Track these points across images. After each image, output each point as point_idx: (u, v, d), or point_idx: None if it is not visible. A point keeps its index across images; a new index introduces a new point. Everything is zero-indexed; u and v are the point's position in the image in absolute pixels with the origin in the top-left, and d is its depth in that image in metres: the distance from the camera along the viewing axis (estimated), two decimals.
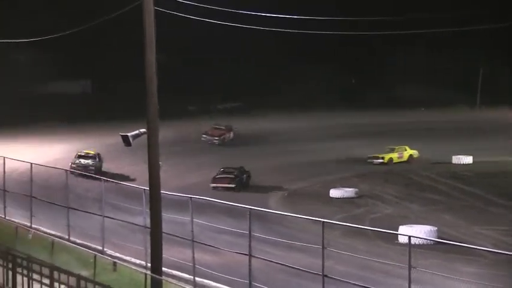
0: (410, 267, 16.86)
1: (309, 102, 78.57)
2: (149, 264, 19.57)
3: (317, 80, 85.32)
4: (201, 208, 26.45)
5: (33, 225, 27.91)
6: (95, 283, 17.71)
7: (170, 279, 20.04)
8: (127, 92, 68.38)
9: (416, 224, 33.47)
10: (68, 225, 27.10)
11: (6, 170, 32.31)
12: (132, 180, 42.14)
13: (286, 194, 43.65)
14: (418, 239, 26.41)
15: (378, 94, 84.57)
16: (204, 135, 61.05)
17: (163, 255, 18.71)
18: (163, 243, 18.63)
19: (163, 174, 19.10)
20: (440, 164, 53.66)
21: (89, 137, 59.20)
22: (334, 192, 42.61)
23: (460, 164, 53.59)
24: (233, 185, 43.31)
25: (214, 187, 43.27)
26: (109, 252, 24.82)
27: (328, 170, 50.63)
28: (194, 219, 22.14)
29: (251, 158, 52.35)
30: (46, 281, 18.85)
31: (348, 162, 53.35)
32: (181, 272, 22.17)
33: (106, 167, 48.19)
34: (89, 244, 25.39)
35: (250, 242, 20.01)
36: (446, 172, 50.24)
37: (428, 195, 43.07)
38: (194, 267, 21.68)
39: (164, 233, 18.90)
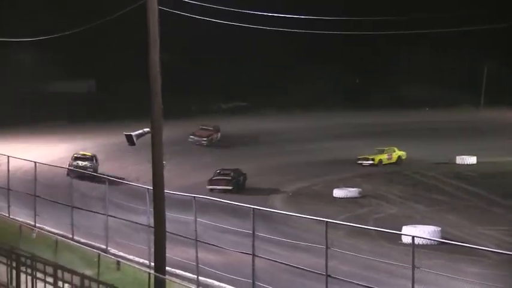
0: (414, 267, 16.84)
1: (313, 102, 78.56)
2: (153, 264, 19.58)
3: (322, 80, 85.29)
4: (205, 207, 26.46)
5: (37, 224, 27.94)
6: (99, 282, 17.72)
7: (174, 279, 20.05)
8: (130, 92, 68.47)
9: (420, 224, 33.45)
10: (72, 224, 27.12)
11: (10, 168, 32.33)
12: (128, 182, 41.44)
13: (290, 194, 43.64)
14: (422, 239, 26.40)
15: (382, 94, 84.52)
16: (191, 136, 60.09)
17: (167, 255, 18.71)
18: (166, 242, 18.63)
19: (166, 174, 19.10)
20: (444, 164, 53.62)
21: (92, 136, 59.28)
22: (337, 192, 42.61)
23: (464, 164, 53.57)
24: (230, 187, 42.71)
25: (210, 189, 42.58)
26: (113, 251, 24.84)
27: (325, 170, 50.55)
28: (198, 219, 22.15)
29: (252, 158, 52.36)
30: (50, 279, 18.87)
31: (345, 163, 53.12)
32: (185, 271, 22.18)
33: (107, 167, 47.41)
34: (92, 243, 25.41)
35: (253, 241, 20.00)
36: (450, 172, 50.22)
37: (432, 195, 43.05)
38: (198, 266, 21.69)
39: (168, 232, 18.90)
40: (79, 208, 28.55)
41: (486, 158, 53.75)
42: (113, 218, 26.36)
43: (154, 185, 18.55)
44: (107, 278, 18.68)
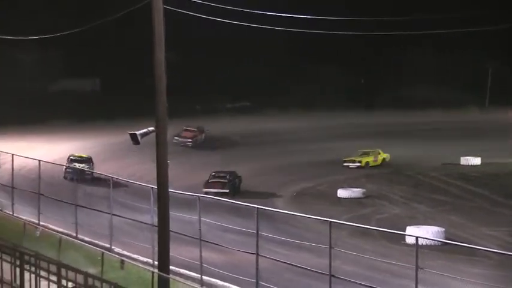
0: (417, 267, 16.84)
1: (317, 102, 78.55)
2: (156, 262, 19.60)
3: (325, 80, 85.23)
4: (209, 207, 26.49)
5: (41, 222, 27.98)
6: (103, 281, 17.72)
7: (177, 278, 20.07)
8: (134, 90, 68.53)
9: (423, 224, 33.45)
10: (76, 223, 27.17)
11: (14, 166, 32.38)
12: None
13: (294, 194, 43.65)
14: (425, 240, 26.41)
15: (386, 94, 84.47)
16: (176, 137, 58.24)
17: (171, 254, 18.74)
18: (170, 241, 18.66)
19: (169, 173, 19.10)
20: (449, 165, 53.58)
21: (96, 135, 59.34)
22: (341, 193, 42.62)
23: (468, 165, 53.53)
24: (227, 190, 41.66)
25: (206, 192, 40.63)
26: (117, 250, 24.87)
27: (328, 171, 50.49)
28: (202, 218, 22.17)
29: (252, 159, 52.20)
30: (54, 278, 18.89)
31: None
32: (189, 270, 22.20)
33: (110, 166, 46.78)
34: (96, 242, 25.44)
35: (257, 241, 20.02)
36: (454, 173, 50.18)
37: (436, 196, 43.02)
38: (201, 265, 21.71)
39: (171, 231, 18.93)
40: (83, 206, 28.60)
41: (491, 158, 53.70)
42: (117, 217, 26.40)
43: (158, 184, 18.58)
44: (110, 277, 18.69)
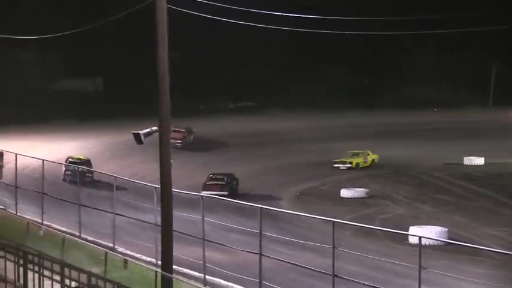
0: (420, 267, 16.83)
1: (319, 102, 78.44)
2: (160, 262, 19.61)
3: (328, 80, 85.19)
4: (212, 207, 26.49)
5: (44, 222, 28.01)
6: (106, 280, 17.75)
7: (181, 277, 20.08)
8: (138, 90, 68.58)
9: (427, 224, 33.41)
10: (79, 222, 27.19)
11: (18, 166, 32.42)
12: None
13: (298, 194, 43.62)
14: (429, 240, 26.39)
15: (389, 94, 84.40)
16: None
17: (174, 253, 18.75)
18: (173, 241, 18.67)
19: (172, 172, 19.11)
20: (452, 165, 53.51)
21: (99, 134, 59.32)
22: (345, 192, 42.59)
23: (471, 165, 53.44)
24: (226, 192, 40.51)
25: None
26: (120, 249, 24.88)
27: (330, 171, 50.34)
28: (205, 218, 22.17)
29: (250, 159, 51.95)
30: (57, 277, 18.91)
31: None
32: (192, 270, 22.21)
33: (113, 166, 46.41)
34: (100, 241, 25.46)
35: (260, 241, 20.02)
36: (458, 173, 50.11)
37: (439, 196, 42.97)
38: (205, 265, 21.71)
39: (175, 231, 18.94)
40: (86, 206, 28.63)
41: (494, 158, 53.60)
42: (120, 217, 26.42)
43: (162, 184, 18.59)
44: (114, 276, 18.70)
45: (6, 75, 70.85)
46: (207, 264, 21.74)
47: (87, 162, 43.03)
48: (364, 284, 18.55)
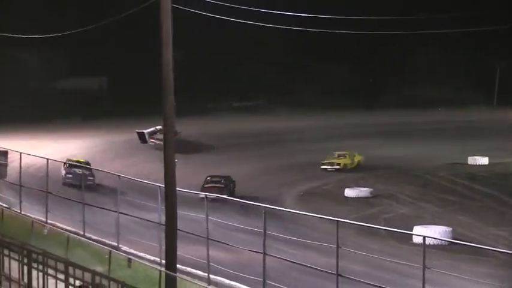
0: (424, 267, 16.82)
1: (324, 102, 78.32)
2: (164, 261, 19.63)
3: (333, 80, 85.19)
4: (215, 206, 26.50)
5: (48, 221, 28.06)
6: (110, 279, 17.76)
7: (184, 276, 20.10)
8: (142, 89, 68.65)
9: (431, 224, 33.39)
10: (84, 221, 27.23)
11: (22, 165, 32.47)
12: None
13: (301, 194, 43.62)
14: (433, 240, 26.38)
15: (394, 94, 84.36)
16: (151, 140, 57.03)
17: (178, 252, 18.77)
18: (177, 240, 18.69)
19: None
20: (456, 164, 53.45)
21: (103, 133, 59.40)
22: (349, 192, 42.58)
23: (475, 165, 53.38)
24: (225, 196, 37.79)
25: (203, 197, 37.62)
26: (124, 248, 24.91)
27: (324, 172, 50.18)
28: (209, 217, 22.19)
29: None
30: (61, 276, 18.93)
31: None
32: (196, 269, 22.23)
33: (117, 165, 45.45)
34: (104, 240, 25.50)
35: (264, 240, 20.03)
36: (462, 173, 50.05)
37: (443, 195, 42.93)
38: (209, 264, 21.73)
39: (179, 230, 18.96)
40: (90, 205, 28.67)
41: (499, 158, 53.55)
42: (124, 216, 26.45)
43: (166, 183, 18.62)
44: (118, 275, 18.72)
45: (10, 75, 71.00)
46: (211, 264, 21.76)
47: (87, 165, 40.10)
48: (368, 284, 18.54)
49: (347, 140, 59.81)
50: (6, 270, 20.84)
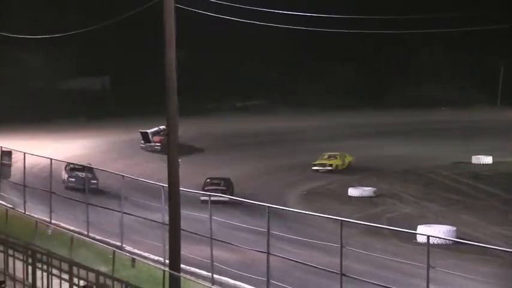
0: (428, 266, 16.81)
1: (328, 101, 78.27)
2: (167, 261, 19.64)
3: (337, 80, 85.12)
4: (219, 206, 26.50)
5: (52, 221, 28.09)
6: (114, 279, 17.79)
7: (188, 276, 20.10)
8: (145, 89, 68.67)
9: (435, 223, 33.35)
10: (87, 221, 27.26)
11: (26, 165, 32.52)
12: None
13: (305, 193, 43.59)
14: (437, 239, 26.34)
15: (398, 94, 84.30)
16: (142, 142, 52.27)
17: (182, 252, 18.78)
18: (181, 240, 18.70)
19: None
20: (460, 163, 53.39)
21: (105, 133, 59.35)
22: (352, 191, 42.55)
23: (479, 164, 53.32)
24: (227, 198, 36.15)
25: (204, 200, 33.90)
26: (128, 248, 24.94)
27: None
28: (212, 217, 22.20)
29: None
30: (65, 276, 18.97)
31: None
32: (200, 269, 22.24)
33: (120, 165, 44.71)
34: (107, 240, 25.52)
35: (268, 239, 20.03)
36: (466, 172, 49.99)
37: (447, 194, 42.88)
38: (212, 264, 21.74)
39: (182, 230, 18.97)
40: (94, 205, 28.70)
41: (502, 157, 53.48)
42: (128, 215, 26.47)
43: (169, 183, 18.64)
44: (122, 275, 18.74)
45: (13, 75, 71.06)
46: (215, 263, 21.77)
47: (90, 169, 37.70)
48: (372, 283, 18.53)
49: (350, 140, 59.72)
50: (10, 270, 20.89)
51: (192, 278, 20.14)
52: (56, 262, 19.44)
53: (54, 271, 19.45)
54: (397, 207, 39.68)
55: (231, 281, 21.57)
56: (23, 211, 29.87)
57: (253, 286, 20.89)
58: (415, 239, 29.35)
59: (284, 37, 68.94)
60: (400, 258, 23.28)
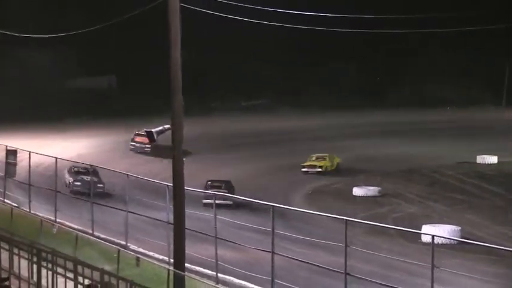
0: (433, 266, 16.79)
1: (332, 101, 78.24)
2: (172, 260, 19.66)
3: (341, 79, 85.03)
4: (221, 210, 26.44)
5: (57, 220, 28.14)
6: (119, 278, 17.81)
7: (193, 275, 20.12)
8: (148, 89, 68.72)
9: (439, 223, 33.33)
10: (92, 220, 27.30)
11: (31, 164, 32.58)
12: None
13: (310, 192, 43.59)
14: (442, 239, 26.32)
15: (402, 93, 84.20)
16: (132, 143, 52.46)
17: (186, 251, 18.79)
18: (185, 239, 18.72)
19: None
20: (465, 163, 53.33)
21: (108, 133, 59.37)
22: (357, 191, 42.54)
23: (484, 164, 53.25)
24: (230, 202, 36.42)
25: (206, 203, 32.54)
26: (132, 247, 24.96)
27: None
28: (216, 216, 22.21)
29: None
30: (70, 274, 19.01)
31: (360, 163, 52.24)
32: (204, 268, 22.26)
33: (124, 165, 43.86)
34: (112, 239, 25.56)
35: (273, 239, 20.03)
36: (471, 171, 49.93)
37: (452, 194, 42.85)
38: (217, 263, 21.75)
39: (187, 229, 18.98)
40: (99, 204, 28.74)
41: (507, 157, 53.38)
42: (133, 214, 26.50)
43: (174, 182, 18.66)
44: (126, 274, 18.76)
45: (19, 74, 71.18)
46: (219, 262, 21.78)
47: (94, 171, 36.23)
48: (376, 283, 18.52)
49: (351, 140, 59.77)
50: (15, 268, 20.93)
51: (197, 277, 20.14)
52: (60, 261, 19.48)
53: (59, 270, 19.49)
54: (402, 207, 39.66)
55: (236, 280, 21.58)
56: (28, 210, 29.92)
57: (258, 285, 20.89)
58: (420, 239, 29.33)
59: (290, 37, 68.94)
60: (405, 258, 23.27)
